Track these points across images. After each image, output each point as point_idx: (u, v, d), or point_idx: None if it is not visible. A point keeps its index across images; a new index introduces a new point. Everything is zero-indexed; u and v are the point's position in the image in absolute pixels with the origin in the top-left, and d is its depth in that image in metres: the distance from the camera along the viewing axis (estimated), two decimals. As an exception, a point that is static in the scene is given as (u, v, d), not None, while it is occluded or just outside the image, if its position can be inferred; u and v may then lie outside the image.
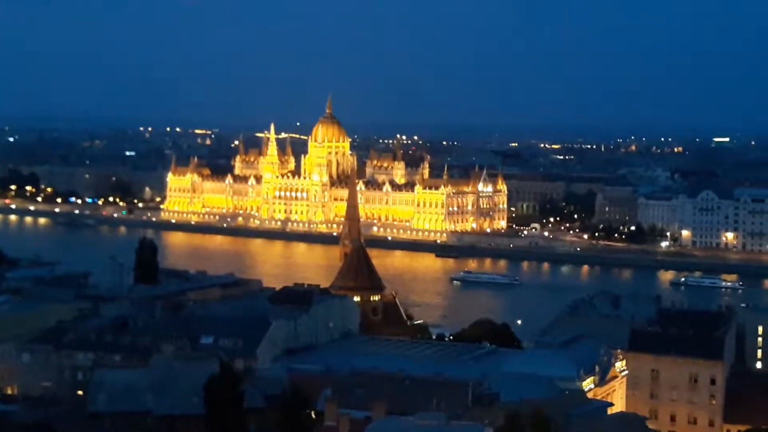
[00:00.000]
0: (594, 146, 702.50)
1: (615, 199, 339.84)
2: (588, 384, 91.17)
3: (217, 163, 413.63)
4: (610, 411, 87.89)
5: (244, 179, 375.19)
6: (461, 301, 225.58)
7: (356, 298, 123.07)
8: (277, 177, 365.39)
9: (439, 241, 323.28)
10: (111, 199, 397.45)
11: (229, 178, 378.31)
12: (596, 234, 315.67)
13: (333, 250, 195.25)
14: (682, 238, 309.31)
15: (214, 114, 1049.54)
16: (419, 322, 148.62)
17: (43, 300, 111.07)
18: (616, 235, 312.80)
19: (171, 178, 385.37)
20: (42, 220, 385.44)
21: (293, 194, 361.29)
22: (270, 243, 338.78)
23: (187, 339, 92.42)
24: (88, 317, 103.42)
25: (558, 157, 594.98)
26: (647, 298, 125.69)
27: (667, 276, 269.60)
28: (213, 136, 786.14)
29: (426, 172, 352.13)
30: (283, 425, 75.85)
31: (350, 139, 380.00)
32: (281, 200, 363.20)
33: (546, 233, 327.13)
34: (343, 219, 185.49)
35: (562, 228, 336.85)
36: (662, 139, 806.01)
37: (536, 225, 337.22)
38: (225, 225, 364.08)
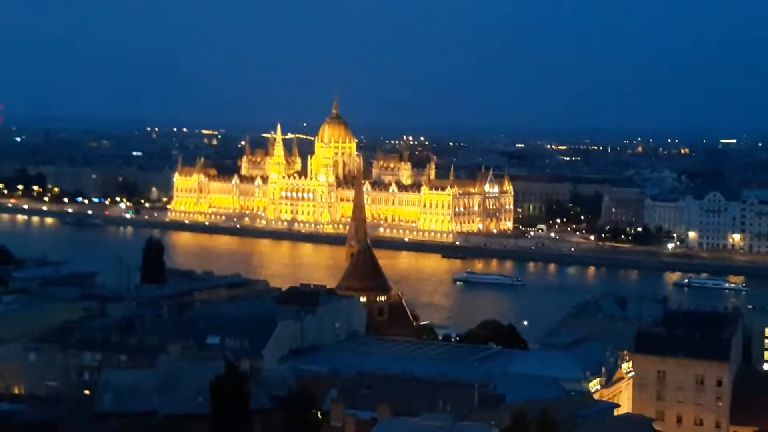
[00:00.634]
0: (601, 147, 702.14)
1: (622, 200, 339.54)
2: (594, 385, 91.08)
3: (223, 164, 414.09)
4: (617, 412, 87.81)
5: (251, 180, 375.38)
6: (467, 302, 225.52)
7: (362, 299, 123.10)
8: (284, 177, 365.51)
9: (446, 241, 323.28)
10: (118, 199, 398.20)
11: (235, 179, 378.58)
12: (603, 235, 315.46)
13: (339, 250, 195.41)
14: (689, 240, 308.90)
15: (221, 114, 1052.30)
16: (425, 322, 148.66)
17: (50, 300, 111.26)
18: (622, 236, 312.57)
19: (178, 179, 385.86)
20: (49, 220, 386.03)
21: (300, 195, 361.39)
22: (276, 243, 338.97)
23: (194, 339, 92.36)
24: (94, 317, 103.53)
25: (564, 158, 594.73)
26: (653, 300, 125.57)
27: (673, 278, 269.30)
28: (220, 136, 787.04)
29: (432, 172, 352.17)
30: (289, 426, 75.78)
31: (357, 140, 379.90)
32: (288, 201, 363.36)
33: (552, 234, 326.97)
34: (349, 219, 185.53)
35: (569, 229, 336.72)
36: (669, 140, 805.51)
37: (542, 226, 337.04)
38: (231, 225, 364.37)
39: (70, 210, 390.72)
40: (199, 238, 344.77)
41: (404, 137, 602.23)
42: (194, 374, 79.31)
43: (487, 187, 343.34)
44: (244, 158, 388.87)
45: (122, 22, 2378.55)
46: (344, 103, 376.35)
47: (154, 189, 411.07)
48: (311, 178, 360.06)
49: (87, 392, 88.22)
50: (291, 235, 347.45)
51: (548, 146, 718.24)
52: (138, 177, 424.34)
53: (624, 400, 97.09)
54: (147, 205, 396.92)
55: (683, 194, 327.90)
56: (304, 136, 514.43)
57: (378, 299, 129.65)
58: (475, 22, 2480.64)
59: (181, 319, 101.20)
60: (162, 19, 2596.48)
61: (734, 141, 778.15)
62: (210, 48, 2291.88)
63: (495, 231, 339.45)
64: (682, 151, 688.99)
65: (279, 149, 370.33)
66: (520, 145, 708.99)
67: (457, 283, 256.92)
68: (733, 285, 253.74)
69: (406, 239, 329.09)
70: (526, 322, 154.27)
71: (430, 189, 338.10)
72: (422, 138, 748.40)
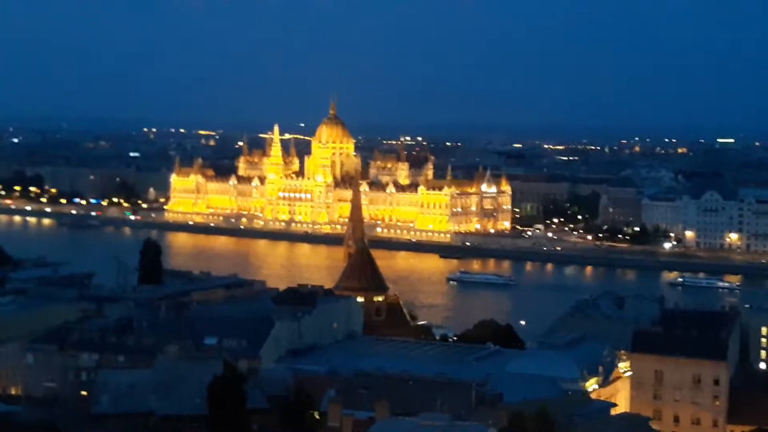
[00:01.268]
0: (598, 147, 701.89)
1: (619, 200, 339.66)
2: (591, 385, 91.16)
3: (221, 164, 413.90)
4: (614, 412, 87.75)
5: (248, 180, 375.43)
6: (464, 302, 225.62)
7: (360, 299, 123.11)
8: (281, 178, 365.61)
9: (444, 242, 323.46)
10: (115, 200, 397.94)
11: (233, 179, 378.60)
12: (600, 235, 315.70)
13: (337, 250, 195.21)
14: (686, 239, 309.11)
15: (218, 115, 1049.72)
16: (423, 322, 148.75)
17: (48, 300, 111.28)
18: (619, 236, 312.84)
19: (175, 179, 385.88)
20: (46, 221, 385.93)
21: (297, 195, 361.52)
22: (274, 244, 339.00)
23: (191, 340, 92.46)
24: (92, 318, 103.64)
25: (562, 158, 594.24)
26: (651, 299, 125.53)
27: (670, 277, 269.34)
28: (217, 137, 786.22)
29: (430, 173, 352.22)
30: (286, 426, 75.92)
31: (354, 140, 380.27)
32: (285, 201, 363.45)
33: (550, 234, 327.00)
34: (347, 220, 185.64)
35: (566, 229, 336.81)
36: (666, 140, 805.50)
37: (540, 226, 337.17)
38: (229, 226, 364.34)
39: (67, 211, 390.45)
40: (197, 239, 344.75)
41: (401, 137, 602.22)
42: (192, 375, 79.42)
43: (484, 187, 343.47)
44: (242, 159, 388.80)
45: (120, 23, 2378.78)
46: (341, 103, 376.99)
47: (151, 190, 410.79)
48: (309, 179, 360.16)
49: (84, 393, 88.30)
50: (289, 236, 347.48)
51: (545, 146, 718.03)
52: (135, 178, 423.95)
53: (621, 399, 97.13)
54: (144, 205, 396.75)
55: (680, 194, 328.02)
56: (301, 137, 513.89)
57: (375, 299, 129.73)
58: (472, 22, 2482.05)
59: (179, 320, 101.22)
60: (159, 20, 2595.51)
61: (731, 140, 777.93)
62: (207, 49, 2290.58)
63: (492, 231, 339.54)
64: (680, 150, 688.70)
65: (276, 150, 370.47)
66: (517, 145, 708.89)
67: (451, 282, 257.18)
68: (726, 284, 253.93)
69: (404, 239, 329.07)
70: (523, 322, 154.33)
71: (428, 189, 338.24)
72: (419, 138, 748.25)
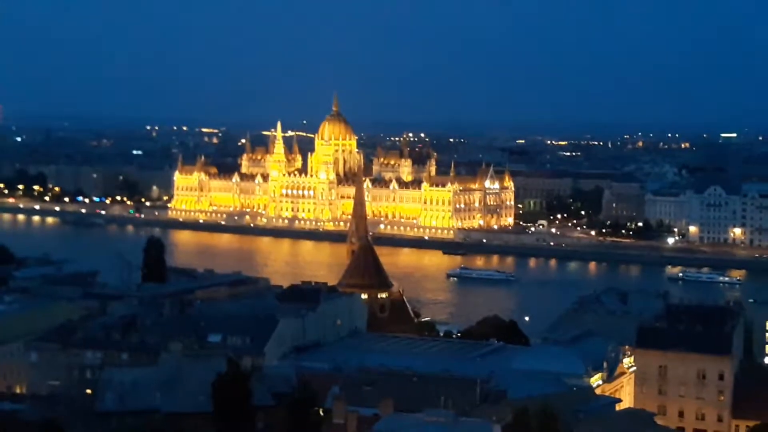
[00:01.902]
0: (601, 142, 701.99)
1: (622, 195, 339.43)
2: (596, 380, 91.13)
3: (224, 162, 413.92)
4: (618, 407, 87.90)
5: (251, 177, 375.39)
6: (466, 298, 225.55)
7: (364, 296, 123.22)
8: (284, 175, 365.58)
9: (447, 238, 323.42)
10: (118, 198, 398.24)
11: (236, 177, 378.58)
12: (603, 230, 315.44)
13: (340, 247, 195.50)
14: (690, 234, 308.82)
15: (221, 112, 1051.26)
16: (426, 319, 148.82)
17: (51, 299, 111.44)
18: (623, 231, 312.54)
19: (178, 177, 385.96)
20: (50, 220, 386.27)
21: (300, 192, 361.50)
22: (277, 241, 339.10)
23: (195, 337, 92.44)
24: (96, 316, 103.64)
25: (565, 153, 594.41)
26: (655, 294, 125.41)
27: (670, 272, 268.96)
28: (220, 134, 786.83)
29: (433, 169, 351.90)
30: (291, 423, 75.79)
31: (357, 137, 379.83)
32: (288, 198, 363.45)
33: (553, 230, 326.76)
34: (350, 217, 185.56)
35: (570, 224, 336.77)
36: (669, 134, 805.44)
37: (543, 222, 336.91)
38: (232, 223, 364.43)
39: (70, 209, 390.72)
40: (200, 237, 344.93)
41: (404, 134, 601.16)
42: (196, 372, 79.39)
43: (487, 183, 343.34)
44: (245, 156, 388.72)
45: (122, 21, 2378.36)
46: (344, 100, 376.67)
47: (154, 188, 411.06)
48: (312, 176, 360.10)
49: (89, 391, 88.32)
50: (292, 233, 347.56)
51: (548, 142, 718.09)
52: (138, 176, 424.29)
53: (626, 395, 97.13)
54: (148, 203, 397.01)
55: (684, 188, 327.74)
56: (304, 134, 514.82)
57: (379, 296, 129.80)
58: (475, 18, 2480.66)
59: (183, 318, 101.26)
60: (162, 18, 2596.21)
61: (734, 135, 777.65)
62: (210, 46, 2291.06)
63: (496, 227, 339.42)
64: (683, 145, 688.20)
65: (279, 147, 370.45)
66: (520, 141, 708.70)
67: (451, 278, 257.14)
68: (726, 279, 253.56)
69: (408, 236, 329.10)
70: (527, 318, 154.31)
71: (431, 185, 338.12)
72: (422, 134, 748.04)
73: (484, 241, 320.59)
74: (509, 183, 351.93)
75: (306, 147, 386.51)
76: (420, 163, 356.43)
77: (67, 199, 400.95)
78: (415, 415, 66.24)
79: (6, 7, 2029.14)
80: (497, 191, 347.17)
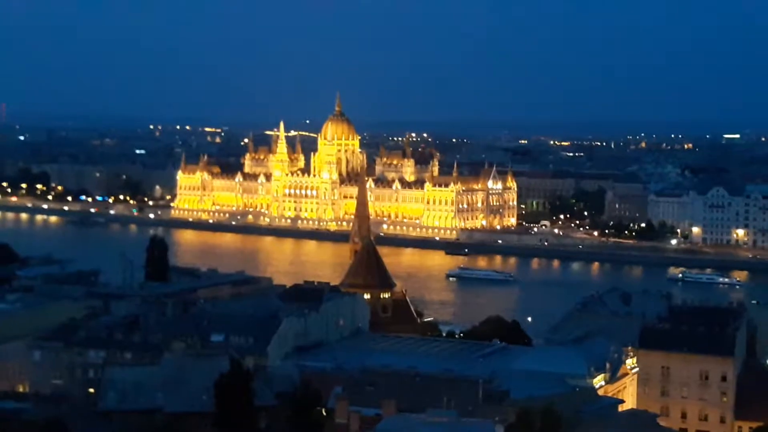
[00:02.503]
0: (604, 143, 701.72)
1: (625, 196, 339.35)
2: (599, 381, 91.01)
3: (226, 161, 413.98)
4: (621, 408, 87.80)
5: (254, 177, 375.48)
6: (469, 299, 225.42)
7: (366, 296, 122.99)
8: (287, 175, 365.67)
9: (450, 238, 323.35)
10: (121, 197, 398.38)
11: (238, 176, 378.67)
12: (606, 231, 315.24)
13: (343, 247, 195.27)
14: (693, 235, 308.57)
15: (224, 112, 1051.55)
16: (429, 319, 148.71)
17: (54, 298, 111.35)
18: (626, 232, 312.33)
19: (181, 176, 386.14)
20: (53, 219, 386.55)
21: (303, 192, 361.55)
22: (280, 241, 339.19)
23: (198, 337, 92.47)
24: (98, 315, 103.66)
25: (568, 153, 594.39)
26: (658, 295, 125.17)
27: (673, 273, 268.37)
28: (223, 134, 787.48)
29: (435, 169, 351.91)
30: (293, 423, 75.91)
31: (360, 137, 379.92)
32: (291, 198, 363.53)
33: (556, 230, 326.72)
34: (352, 216, 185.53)
35: (572, 225, 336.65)
36: (672, 135, 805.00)
37: (546, 222, 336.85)
38: (235, 223, 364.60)
39: (73, 208, 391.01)
40: (203, 236, 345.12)
41: (407, 134, 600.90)
42: (199, 372, 79.50)
43: (490, 184, 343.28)
44: (248, 156, 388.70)
45: (124, 20, 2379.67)
46: (347, 100, 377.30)
47: (157, 187, 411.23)
48: (314, 176, 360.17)
49: (91, 390, 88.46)
50: (295, 233, 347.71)
51: (551, 142, 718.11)
52: (141, 175, 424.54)
53: (628, 395, 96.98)
54: (150, 203, 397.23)
55: (687, 189, 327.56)
56: (307, 134, 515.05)
57: (382, 296, 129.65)
58: (477, 17, 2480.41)
59: (185, 317, 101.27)
60: (164, 17, 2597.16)
61: (737, 136, 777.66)
62: (212, 46, 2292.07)
63: (498, 227, 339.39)
64: (686, 146, 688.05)
65: (282, 147, 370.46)
66: (523, 141, 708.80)
67: (450, 279, 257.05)
68: (726, 279, 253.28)
69: (410, 236, 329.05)
70: (530, 318, 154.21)
71: (434, 186, 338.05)
72: (425, 134, 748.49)
73: (487, 241, 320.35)
74: (512, 183, 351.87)
75: (309, 147, 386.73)
76: (423, 163, 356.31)
77: (70, 198, 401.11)
78: (418, 415, 66.25)
79: (8, 6, 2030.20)
80: (500, 191, 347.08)
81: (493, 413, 71.40)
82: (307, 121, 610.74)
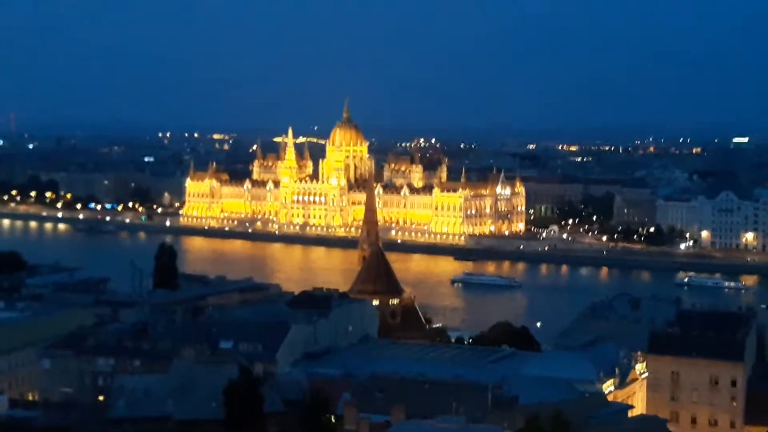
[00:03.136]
0: (612, 148, 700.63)
1: (633, 200, 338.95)
2: (608, 386, 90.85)
3: (235, 168, 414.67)
4: (631, 413, 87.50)
5: (263, 184, 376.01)
6: (477, 304, 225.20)
7: (375, 302, 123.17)
8: (295, 181, 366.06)
9: (458, 244, 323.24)
10: (130, 205, 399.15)
11: (247, 183, 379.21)
12: (615, 236, 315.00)
13: (351, 254, 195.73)
14: (702, 240, 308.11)
15: (232, 119, 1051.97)
16: (438, 325, 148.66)
17: (63, 306, 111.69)
18: (634, 236, 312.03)
19: (189, 184, 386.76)
20: (61, 227, 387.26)
21: (311, 198, 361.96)
22: (288, 247, 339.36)
23: (207, 344, 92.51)
24: (107, 323, 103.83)
25: (576, 159, 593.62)
26: (667, 300, 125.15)
27: (679, 278, 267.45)
28: (231, 141, 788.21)
29: (444, 175, 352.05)
30: (302, 429, 75.88)
31: (368, 143, 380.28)
32: (299, 204, 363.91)
33: (564, 235, 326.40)
34: (361, 223, 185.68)
35: (581, 230, 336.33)
36: (680, 140, 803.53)
37: (554, 227, 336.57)
38: (244, 230, 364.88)
39: (82, 216, 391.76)
40: (212, 243, 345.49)
41: (415, 140, 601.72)
42: (208, 379, 79.50)
43: (498, 189, 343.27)
44: (256, 162, 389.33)
45: (132, 27, 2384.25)
46: (355, 106, 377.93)
47: (166, 194, 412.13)
48: (323, 182, 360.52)
49: (101, 398, 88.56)
50: (303, 239, 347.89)
51: (559, 147, 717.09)
52: (150, 182, 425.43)
53: (638, 401, 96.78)
54: (159, 210, 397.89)
55: (695, 194, 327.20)
56: (315, 140, 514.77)
57: (390, 302, 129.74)
58: (485, 24, 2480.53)
59: (195, 324, 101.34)
60: (172, 24, 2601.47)
61: (746, 140, 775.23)
62: (220, 53, 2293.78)
63: (507, 233, 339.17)
64: (694, 150, 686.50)
65: (290, 153, 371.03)
66: (531, 147, 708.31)
67: (456, 284, 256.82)
68: (732, 284, 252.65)
69: (419, 242, 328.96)
70: (539, 324, 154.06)
71: (442, 191, 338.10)
72: (433, 140, 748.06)
73: (495, 246, 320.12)
74: (520, 189, 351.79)
75: (317, 153, 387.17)
76: (431, 168, 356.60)
77: (79, 206, 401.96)
78: (427, 421, 66.17)
79: (16, 17, 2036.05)
80: (508, 197, 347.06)
81: (503, 419, 71.30)
82: (316, 128, 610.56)
